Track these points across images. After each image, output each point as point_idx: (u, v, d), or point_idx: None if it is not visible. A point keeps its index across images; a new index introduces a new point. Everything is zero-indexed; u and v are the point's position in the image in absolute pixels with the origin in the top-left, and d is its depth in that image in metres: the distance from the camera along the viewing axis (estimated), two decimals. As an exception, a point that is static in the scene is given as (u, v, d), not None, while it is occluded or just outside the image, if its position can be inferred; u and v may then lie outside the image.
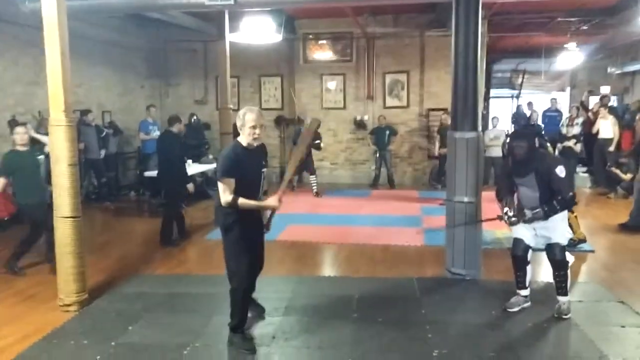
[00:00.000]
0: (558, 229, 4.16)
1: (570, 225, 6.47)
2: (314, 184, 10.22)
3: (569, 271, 4.20)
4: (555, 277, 4.21)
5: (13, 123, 8.24)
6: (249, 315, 3.91)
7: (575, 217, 6.36)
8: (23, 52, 8.39)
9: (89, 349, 3.68)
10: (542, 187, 4.05)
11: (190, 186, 6.78)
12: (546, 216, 4.03)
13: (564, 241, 4.19)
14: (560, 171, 3.98)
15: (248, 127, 3.55)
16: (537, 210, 4.05)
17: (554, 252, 4.13)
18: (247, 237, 3.68)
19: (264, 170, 3.78)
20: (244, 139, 3.63)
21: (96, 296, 4.70)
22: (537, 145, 4.14)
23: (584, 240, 6.33)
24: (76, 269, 4.46)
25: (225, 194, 3.51)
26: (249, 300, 3.88)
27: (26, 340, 3.83)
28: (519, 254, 4.29)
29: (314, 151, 10.37)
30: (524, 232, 4.25)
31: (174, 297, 4.70)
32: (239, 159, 3.56)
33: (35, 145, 5.98)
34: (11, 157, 5.46)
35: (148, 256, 6.09)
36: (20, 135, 5.42)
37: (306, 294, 4.80)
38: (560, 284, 4.18)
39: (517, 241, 4.29)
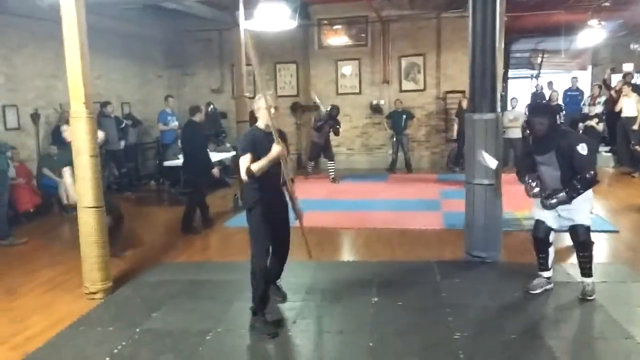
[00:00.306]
0: (581, 209, 4.05)
1: None
2: (332, 170, 10.16)
3: (593, 252, 4.13)
4: (579, 258, 4.14)
5: (35, 117, 8.41)
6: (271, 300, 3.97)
7: None
8: (42, 46, 8.50)
9: (115, 335, 3.76)
10: (564, 165, 3.96)
11: (216, 170, 6.92)
12: (570, 199, 3.94)
13: (587, 222, 4.08)
14: (582, 149, 3.85)
15: (266, 108, 3.65)
16: (561, 194, 3.94)
17: (578, 233, 4.05)
18: (268, 219, 3.74)
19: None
20: (261, 122, 3.77)
21: (120, 284, 4.79)
22: (558, 122, 4.02)
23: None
24: (100, 257, 4.55)
25: (243, 169, 3.63)
26: (269, 283, 3.91)
27: (54, 328, 3.94)
28: (540, 236, 4.23)
29: (331, 136, 10.38)
30: (545, 214, 4.17)
31: (196, 284, 4.77)
32: (256, 139, 3.70)
33: None
34: (70, 150, 5.54)
35: (169, 244, 6.17)
36: (66, 133, 5.51)
37: (325, 279, 4.83)
38: (585, 265, 4.11)
39: (538, 223, 4.23)
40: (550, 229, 4.20)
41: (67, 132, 5.53)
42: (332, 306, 4.23)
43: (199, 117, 6.87)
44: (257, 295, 3.77)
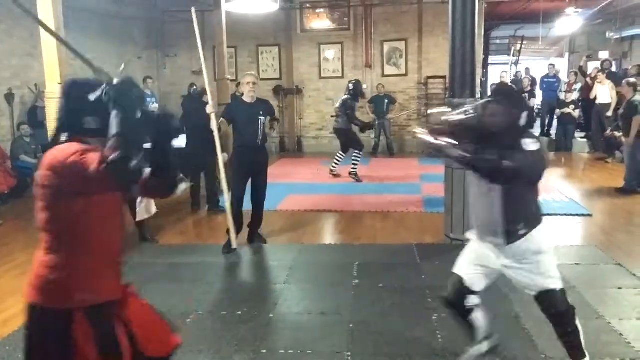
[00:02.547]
0: (545, 265, 2.65)
1: None
2: (337, 164, 8.82)
3: (578, 322, 2.71)
4: (561, 336, 2.74)
5: (10, 97, 8.22)
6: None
7: None
8: (18, 25, 8.28)
9: (95, 318, 3.74)
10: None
11: (225, 156, 6.84)
12: (459, 157, 2.51)
13: (559, 283, 2.68)
14: (525, 145, 2.52)
15: (245, 83, 5.00)
16: (449, 145, 2.53)
17: (553, 303, 2.67)
18: (240, 167, 5.02)
19: (261, 118, 5.00)
20: (245, 96, 5.05)
21: (100, 267, 4.75)
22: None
23: None
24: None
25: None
26: (238, 213, 5.05)
27: (32, 311, 3.89)
28: (448, 298, 2.85)
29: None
30: (469, 260, 2.82)
31: (176, 267, 4.76)
32: (233, 108, 5.21)
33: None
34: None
35: (150, 227, 6.12)
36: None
37: (307, 262, 4.87)
38: (572, 345, 2.72)
39: (451, 278, 2.85)
40: (469, 292, 2.77)
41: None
42: (313, 289, 4.27)
43: (205, 99, 6.83)
44: (231, 219, 4.95)
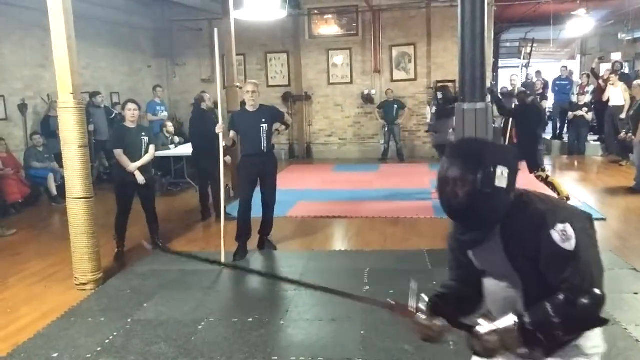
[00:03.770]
0: None
1: (554, 188, 6.51)
2: None
3: None
4: None
5: (23, 107, 8.32)
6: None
7: (552, 179, 6.59)
8: (29, 35, 8.39)
9: (106, 326, 3.76)
10: (523, 269, 1.61)
11: (228, 159, 6.87)
12: (534, 345, 1.53)
13: None
14: (564, 236, 1.52)
15: (245, 92, 5.10)
16: (509, 326, 1.54)
17: None
18: (246, 175, 5.12)
19: (263, 125, 5.02)
20: (247, 104, 5.14)
21: (111, 275, 4.78)
22: (500, 174, 1.53)
23: (568, 199, 6.49)
24: (90, 248, 4.52)
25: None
26: (247, 220, 5.11)
27: (44, 319, 3.92)
28: None
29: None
30: None
31: (187, 274, 4.76)
32: (235, 119, 5.29)
33: (143, 126, 5.99)
34: (119, 131, 5.63)
35: (160, 234, 6.14)
36: (131, 112, 5.34)
37: (318, 268, 4.85)
38: None
39: None
40: None
41: (130, 112, 5.35)
42: (324, 295, 4.22)
43: (205, 105, 6.95)
44: (238, 228, 5.10)
